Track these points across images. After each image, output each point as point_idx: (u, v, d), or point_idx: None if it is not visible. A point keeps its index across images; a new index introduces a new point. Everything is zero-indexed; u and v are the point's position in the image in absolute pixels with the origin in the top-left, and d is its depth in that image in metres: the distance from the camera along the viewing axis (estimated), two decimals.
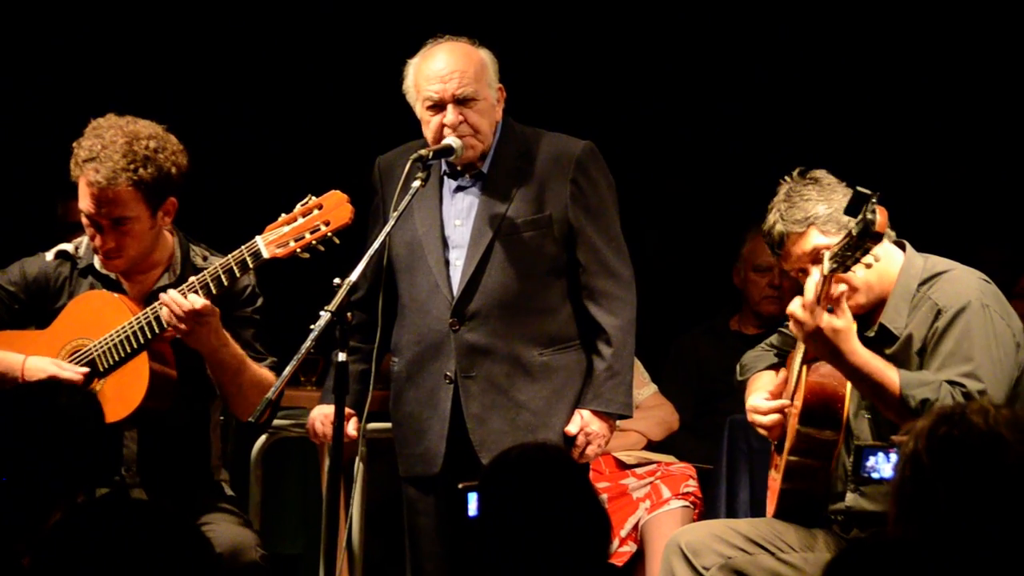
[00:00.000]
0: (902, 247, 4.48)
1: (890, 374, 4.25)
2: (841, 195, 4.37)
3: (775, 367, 4.73)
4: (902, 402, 4.22)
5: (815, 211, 4.37)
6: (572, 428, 4.72)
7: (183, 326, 4.46)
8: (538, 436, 4.63)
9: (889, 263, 4.41)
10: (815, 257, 4.32)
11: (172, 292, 4.48)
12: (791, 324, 4.31)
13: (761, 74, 7.06)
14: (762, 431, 4.58)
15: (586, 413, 4.73)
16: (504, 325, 4.71)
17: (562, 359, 4.75)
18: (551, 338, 4.74)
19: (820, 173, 4.46)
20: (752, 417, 4.59)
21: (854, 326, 4.24)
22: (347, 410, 4.56)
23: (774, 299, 6.49)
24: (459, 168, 4.76)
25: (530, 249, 4.71)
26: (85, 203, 4.58)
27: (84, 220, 4.63)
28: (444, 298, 4.72)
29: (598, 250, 4.75)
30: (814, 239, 4.37)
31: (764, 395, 4.59)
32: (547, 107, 5.69)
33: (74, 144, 4.61)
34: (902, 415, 4.22)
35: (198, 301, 4.45)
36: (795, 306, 4.26)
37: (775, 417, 4.53)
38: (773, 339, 4.80)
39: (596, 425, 4.73)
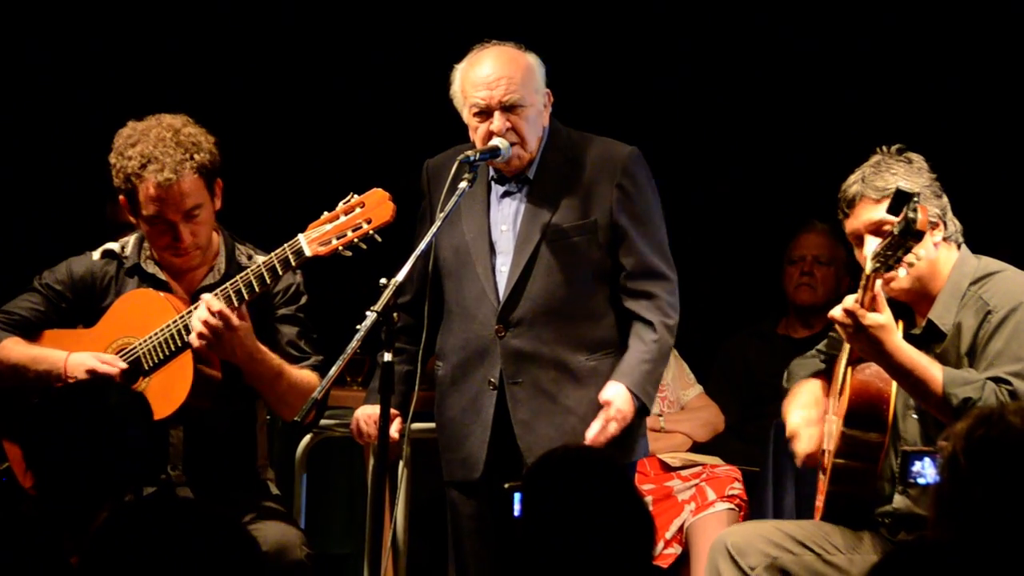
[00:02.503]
0: (957, 247, 4.47)
1: (933, 371, 4.23)
2: (926, 182, 4.38)
3: (820, 374, 4.71)
4: (944, 400, 4.21)
5: (896, 186, 4.35)
6: (608, 395, 4.63)
7: (202, 342, 4.48)
8: (577, 442, 4.62)
9: (945, 261, 4.41)
10: (877, 229, 4.32)
11: (207, 297, 4.50)
12: (836, 325, 4.30)
13: (816, 77, 7.03)
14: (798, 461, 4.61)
15: (622, 388, 4.64)
16: (550, 331, 4.70)
17: (610, 364, 4.72)
18: (598, 343, 4.73)
19: (916, 156, 4.46)
20: (792, 443, 4.61)
21: (895, 325, 4.24)
22: (391, 411, 4.59)
23: (806, 286, 6.53)
24: (506, 174, 4.76)
25: (575, 254, 4.70)
26: (154, 207, 4.59)
27: (152, 228, 4.64)
28: (491, 304, 4.72)
29: (643, 255, 4.73)
30: (883, 212, 4.35)
31: (802, 417, 4.60)
32: (592, 111, 5.66)
33: (112, 160, 4.63)
34: (944, 413, 4.21)
35: (215, 315, 4.47)
36: (838, 309, 4.25)
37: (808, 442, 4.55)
38: (822, 344, 4.78)
39: (625, 404, 4.63)
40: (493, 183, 4.80)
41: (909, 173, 4.39)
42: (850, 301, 4.22)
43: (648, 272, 4.73)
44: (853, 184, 4.44)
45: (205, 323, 4.46)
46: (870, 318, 4.19)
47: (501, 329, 4.71)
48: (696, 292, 6.89)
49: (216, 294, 4.52)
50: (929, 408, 4.29)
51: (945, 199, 4.45)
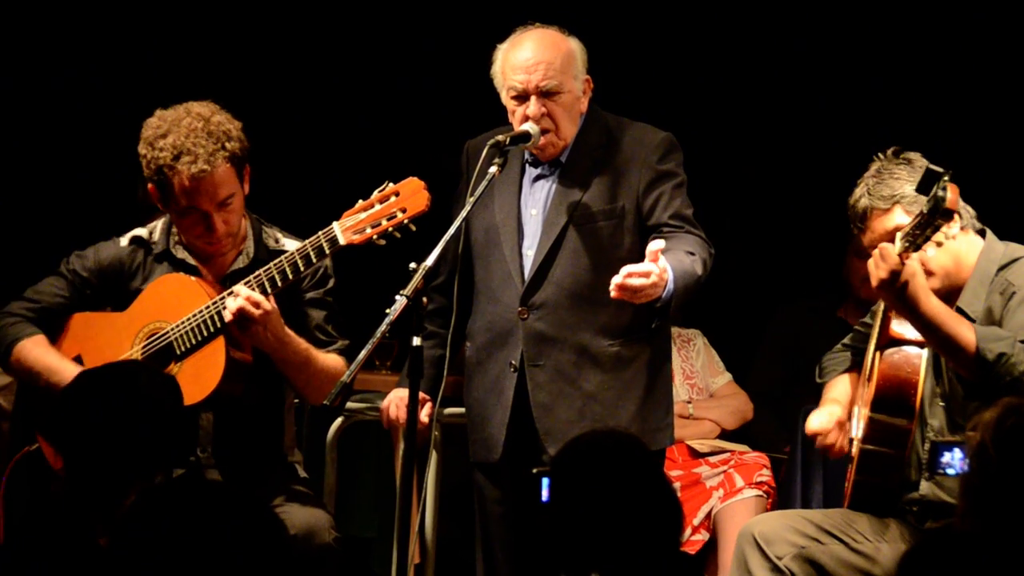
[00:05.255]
0: (983, 235, 4.46)
1: (963, 328, 4.22)
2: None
3: (851, 370, 4.70)
4: (978, 356, 4.19)
5: (902, 190, 4.36)
6: (663, 262, 4.37)
7: (235, 325, 4.49)
8: (605, 427, 4.60)
9: (968, 249, 4.41)
10: (895, 237, 4.31)
11: (239, 288, 4.51)
12: (870, 271, 4.27)
13: (863, 61, 7.01)
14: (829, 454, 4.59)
15: (671, 272, 4.40)
16: (572, 315, 4.69)
17: (633, 351, 4.72)
18: (622, 329, 4.70)
19: (914, 155, 4.45)
20: (817, 440, 4.60)
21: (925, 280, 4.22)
22: (422, 395, 4.61)
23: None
24: (541, 159, 4.76)
25: (602, 239, 4.68)
26: (188, 199, 4.58)
27: (184, 218, 4.63)
28: (515, 286, 4.72)
29: (679, 209, 4.66)
30: (897, 218, 4.36)
31: (830, 413, 4.59)
32: (641, 91, 5.61)
33: (142, 151, 4.62)
34: (975, 371, 4.20)
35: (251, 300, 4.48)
36: (872, 257, 4.25)
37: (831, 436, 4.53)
38: (848, 339, 4.78)
39: (665, 277, 4.37)
40: (528, 165, 4.79)
41: (912, 174, 4.36)
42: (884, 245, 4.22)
43: (686, 220, 4.66)
44: (860, 198, 4.44)
45: (239, 309, 4.47)
46: (899, 261, 4.17)
47: (524, 312, 4.71)
48: (729, 280, 6.89)
49: (249, 281, 4.53)
50: (959, 367, 4.28)
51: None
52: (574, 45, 4.73)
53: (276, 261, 4.54)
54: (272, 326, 4.52)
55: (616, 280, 4.34)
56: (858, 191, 4.46)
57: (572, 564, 3.47)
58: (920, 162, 4.42)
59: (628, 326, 4.70)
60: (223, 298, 4.55)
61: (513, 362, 4.73)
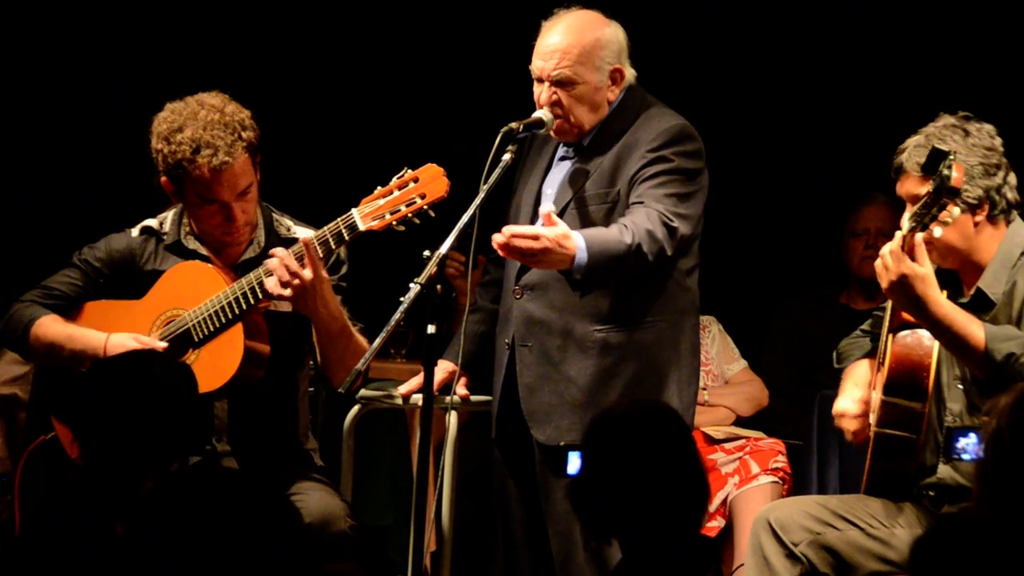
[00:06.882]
0: (1007, 223, 4.44)
1: (973, 328, 4.21)
2: (978, 157, 4.29)
3: (871, 354, 4.69)
4: (987, 356, 4.19)
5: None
6: (562, 227, 4.34)
7: (287, 291, 4.47)
8: (585, 413, 4.53)
9: (986, 237, 4.38)
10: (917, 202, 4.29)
11: (281, 251, 4.49)
12: (877, 270, 4.26)
13: (878, 44, 6.98)
14: (848, 436, 4.57)
15: (580, 239, 4.36)
16: (561, 298, 4.66)
17: (619, 337, 4.66)
18: (608, 315, 4.64)
19: (976, 128, 4.36)
20: (839, 422, 4.57)
21: (934, 279, 4.21)
22: (458, 370, 4.79)
23: (871, 260, 6.46)
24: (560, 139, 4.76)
25: (595, 224, 4.61)
26: (208, 192, 4.56)
27: (203, 210, 4.61)
28: (515, 265, 4.73)
29: (655, 193, 4.55)
30: (925, 189, 4.30)
31: (853, 397, 4.57)
32: (666, 77, 5.57)
33: (157, 146, 4.59)
34: (986, 369, 4.20)
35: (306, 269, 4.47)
36: (882, 251, 4.23)
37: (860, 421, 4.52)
38: (866, 324, 4.76)
39: (567, 247, 4.33)
40: (561, 145, 4.81)
41: (962, 147, 4.32)
42: (896, 243, 4.19)
43: (655, 199, 4.54)
44: (903, 152, 4.39)
45: (287, 268, 4.44)
46: (909, 264, 4.16)
47: (518, 291, 4.74)
48: (744, 266, 6.89)
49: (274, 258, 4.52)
50: (969, 366, 4.28)
51: (999, 178, 4.35)
52: (606, 34, 4.68)
53: (295, 247, 4.53)
54: (323, 296, 4.49)
55: (497, 238, 4.33)
56: (910, 141, 4.39)
57: (595, 532, 3.50)
58: (977, 138, 4.32)
59: (617, 313, 4.65)
60: (241, 286, 4.54)
61: (507, 341, 4.76)
